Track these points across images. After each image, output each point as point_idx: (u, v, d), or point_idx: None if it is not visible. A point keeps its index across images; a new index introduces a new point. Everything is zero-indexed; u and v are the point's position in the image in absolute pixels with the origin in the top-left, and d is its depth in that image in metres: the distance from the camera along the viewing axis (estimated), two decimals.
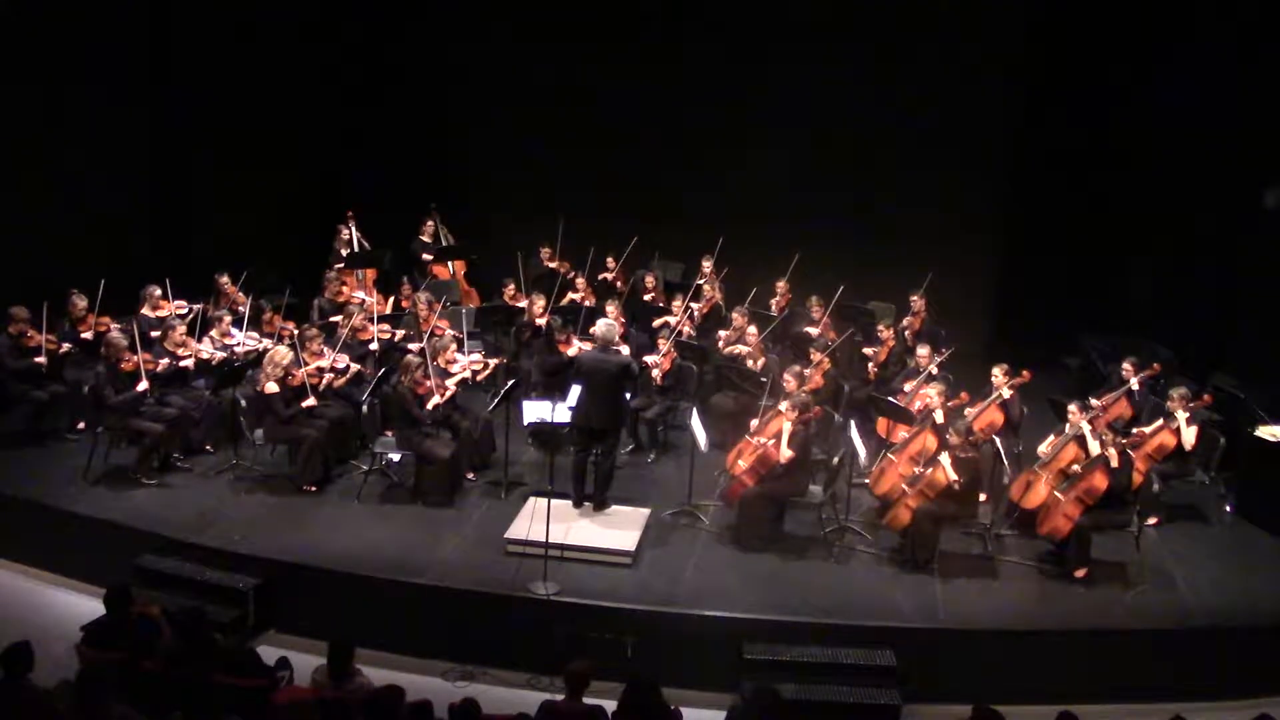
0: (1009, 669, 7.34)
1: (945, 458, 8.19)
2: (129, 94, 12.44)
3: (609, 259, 12.98)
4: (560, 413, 8.79)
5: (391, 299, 12.43)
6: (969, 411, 9.13)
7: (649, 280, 12.36)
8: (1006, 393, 9.37)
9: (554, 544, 7.88)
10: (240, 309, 11.00)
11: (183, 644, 6.10)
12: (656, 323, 11.45)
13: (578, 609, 7.51)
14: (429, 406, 9.04)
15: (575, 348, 10.34)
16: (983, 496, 8.67)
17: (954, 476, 8.11)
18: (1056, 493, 8.24)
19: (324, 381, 9.48)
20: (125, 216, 12.51)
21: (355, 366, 9.98)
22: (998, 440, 9.03)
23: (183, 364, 9.74)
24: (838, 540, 8.58)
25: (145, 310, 10.69)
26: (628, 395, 9.36)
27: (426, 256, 13.28)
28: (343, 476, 9.37)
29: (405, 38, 14.43)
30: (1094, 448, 8.43)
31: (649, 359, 10.39)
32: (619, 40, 13.74)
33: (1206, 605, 7.92)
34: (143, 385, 9.13)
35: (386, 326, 11.07)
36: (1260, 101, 11.08)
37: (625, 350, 10.25)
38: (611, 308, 10.99)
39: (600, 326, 8.92)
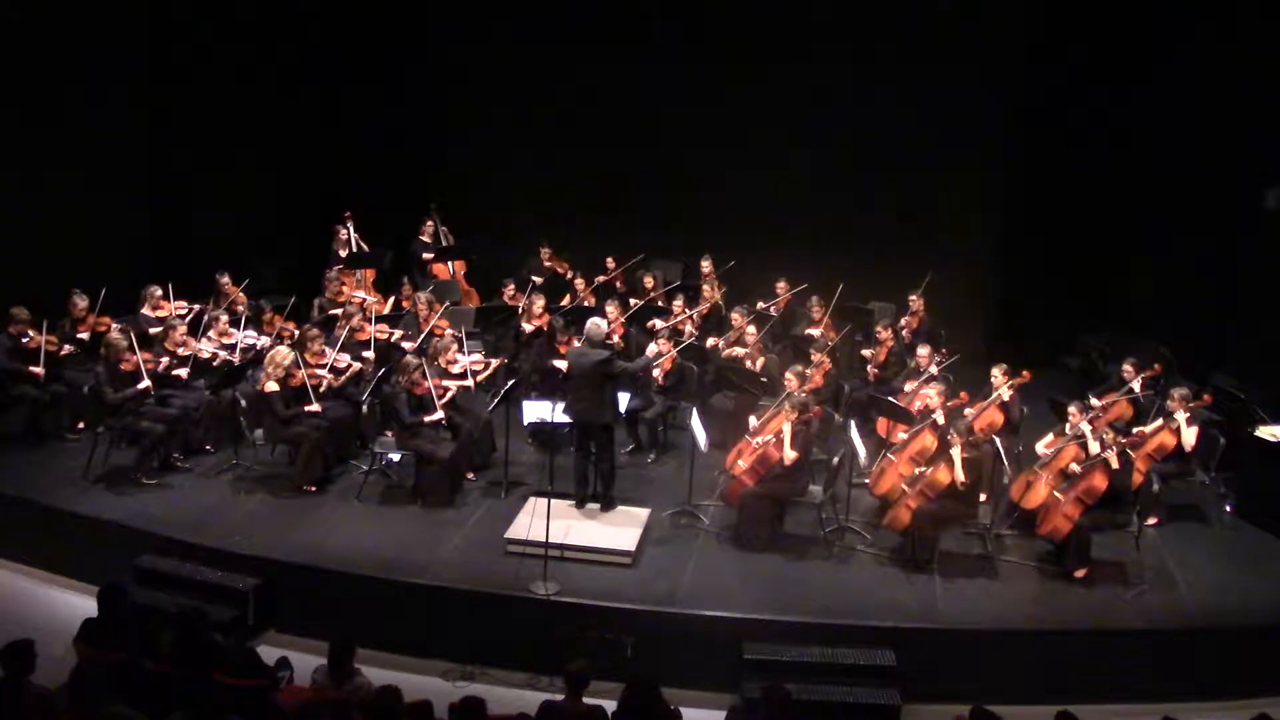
0: (1009, 669, 7.34)
1: (956, 452, 8.16)
2: (129, 94, 12.43)
3: (608, 259, 12.97)
4: (560, 413, 8.79)
5: (391, 299, 12.44)
6: (969, 411, 9.11)
7: (649, 280, 12.36)
8: (1006, 393, 9.36)
9: (554, 544, 7.88)
10: (240, 309, 11.01)
11: (183, 644, 6.10)
12: (657, 324, 11.45)
13: (578, 609, 7.51)
14: (429, 420, 9.03)
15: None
16: (983, 496, 8.66)
17: (961, 477, 8.10)
18: (1056, 493, 8.24)
19: (324, 383, 9.48)
20: (125, 217, 12.49)
21: (356, 365, 9.98)
22: (998, 440, 9.02)
23: (179, 369, 9.72)
24: (838, 540, 8.58)
25: (145, 310, 10.70)
26: (627, 395, 9.36)
27: (427, 256, 13.27)
28: (343, 476, 9.37)
29: (405, 37, 14.42)
30: (1094, 448, 8.43)
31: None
32: (619, 40, 13.73)
33: (1206, 605, 7.91)
34: (144, 383, 9.13)
35: (386, 326, 11.07)
36: (1260, 101, 11.07)
37: (641, 347, 10.28)
38: (611, 308, 10.98)
39: (588, 325, 8.92)
